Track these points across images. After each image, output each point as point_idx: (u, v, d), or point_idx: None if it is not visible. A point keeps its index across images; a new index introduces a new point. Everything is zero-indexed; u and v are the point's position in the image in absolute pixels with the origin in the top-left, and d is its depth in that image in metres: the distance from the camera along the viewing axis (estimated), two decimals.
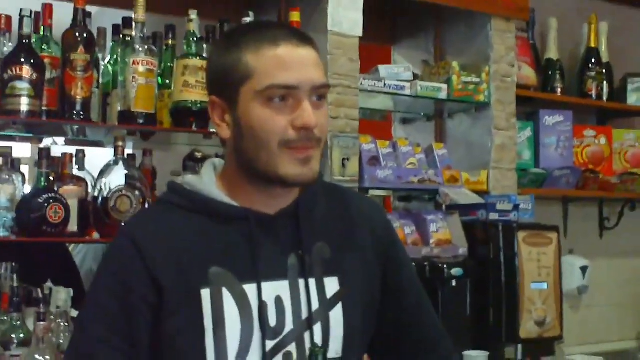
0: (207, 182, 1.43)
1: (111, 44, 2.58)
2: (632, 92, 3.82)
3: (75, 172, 2.50)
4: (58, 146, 2.73)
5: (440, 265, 2.73)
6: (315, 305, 1.39)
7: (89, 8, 2.41)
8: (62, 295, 2.25)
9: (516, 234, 2.86)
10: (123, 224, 2.25)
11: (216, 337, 1.33)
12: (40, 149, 2.34)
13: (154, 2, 2.49)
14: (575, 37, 3.80)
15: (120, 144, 2.41)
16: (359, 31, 2.79)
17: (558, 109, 3.55)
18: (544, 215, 3.30)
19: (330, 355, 1.38)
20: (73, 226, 2.33)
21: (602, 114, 3.91)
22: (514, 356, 2.88)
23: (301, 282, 1.39)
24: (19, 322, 2.22)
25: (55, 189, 2.32)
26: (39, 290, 2.28)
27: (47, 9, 2.36)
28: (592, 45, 3.73)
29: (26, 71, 2.23)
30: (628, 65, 3.89)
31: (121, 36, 2.50)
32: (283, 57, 1.34)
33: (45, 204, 2.23)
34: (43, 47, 2.34)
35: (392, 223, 1.65)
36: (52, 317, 2.19)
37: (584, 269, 3.50)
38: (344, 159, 2.71)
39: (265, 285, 1.36)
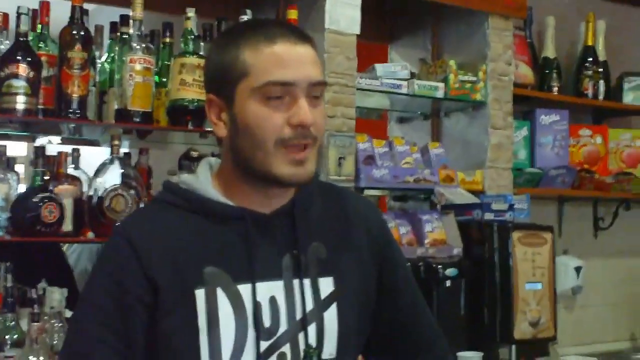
0: (203, 181, 1.43)
1: (108, 41, 2.58)
2: (628, 91, 3.81)
3: (71, 171, 2.49)
4: (53, 145, 2.72)
5: (435, 265, 2.73)
6: (309, 305, 1.38)
7: (86, 5, 2.40)
8: (56, 296, 2.24)
9: (511, 234, 2.86)
10: (118, 223, 2.25)
11: (210, 337, 1.33)
12: (36, 148, 2.34)
13: (152, 0, 2.48)
14: (572, 36, 3.80)
15: (116, 142, 2.40)
16: (356, 29, 2.79)
17: (554, 108, 3.55)
18: (539, 214, 3.31)
19: (324, 356, 1.38)
20: (68, 226, 2.32)
21: (598, 113, 3.91)
22: (508, 357, 2.88)
23: (296, 282, 1.39)
24: (12, 323, 2.20)
25: (50, 188, 2.31)
26: (33, 290, 2.27)
27: (44, 6, 2.36)
28: (589, 43, 3.73)
29: (23, 69, 2.23)
30: (625, 64, 3.88)
31: (118, 34, 2.50)
32: (280, 55, 1.33)
33: (40, 204, 2.22)
34: (40, 44, 2.34)
35: (387, 223, 1.65)
36: (46, 317, 2.18)
37: (578, 269, 3.49)
38: (340, 158, 2.71)
39: (259, 286, 1.36)
